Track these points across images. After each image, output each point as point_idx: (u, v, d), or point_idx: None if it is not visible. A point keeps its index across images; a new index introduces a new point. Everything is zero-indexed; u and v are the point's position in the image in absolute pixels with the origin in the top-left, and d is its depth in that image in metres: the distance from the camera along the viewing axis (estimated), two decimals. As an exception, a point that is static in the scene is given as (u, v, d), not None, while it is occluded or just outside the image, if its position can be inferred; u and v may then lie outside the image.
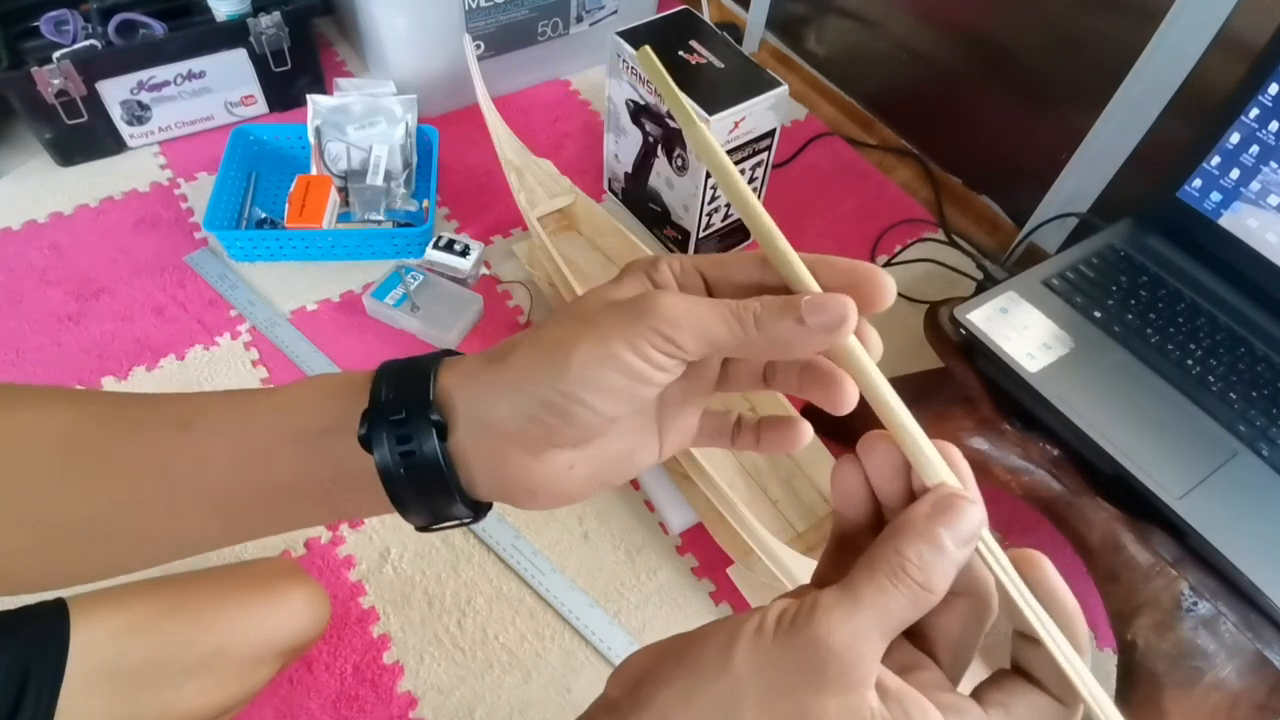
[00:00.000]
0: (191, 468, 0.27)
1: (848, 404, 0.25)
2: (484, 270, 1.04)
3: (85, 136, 1.08)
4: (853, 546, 0.25)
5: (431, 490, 0.25)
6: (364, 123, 1.07)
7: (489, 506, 0.28)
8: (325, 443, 0.26)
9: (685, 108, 0.26)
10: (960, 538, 0.22)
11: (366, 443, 0.25)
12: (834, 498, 0.26)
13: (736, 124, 0.89)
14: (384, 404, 0.25)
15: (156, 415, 0.28)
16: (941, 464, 0.23)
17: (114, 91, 1.06)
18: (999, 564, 0.23)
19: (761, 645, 0.21)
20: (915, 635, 0.24)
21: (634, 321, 0.23)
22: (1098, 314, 0.71)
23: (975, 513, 0.22)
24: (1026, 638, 0.23)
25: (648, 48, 0.27)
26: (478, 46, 1.14)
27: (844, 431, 0.84)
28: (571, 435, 0.24)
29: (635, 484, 0.86)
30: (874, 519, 0.25)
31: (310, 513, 0.28)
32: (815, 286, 0.24)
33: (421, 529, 0.28)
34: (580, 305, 0.25)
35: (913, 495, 0.24)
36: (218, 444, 0.27)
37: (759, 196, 1.02)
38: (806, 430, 0.28)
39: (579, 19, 1.22)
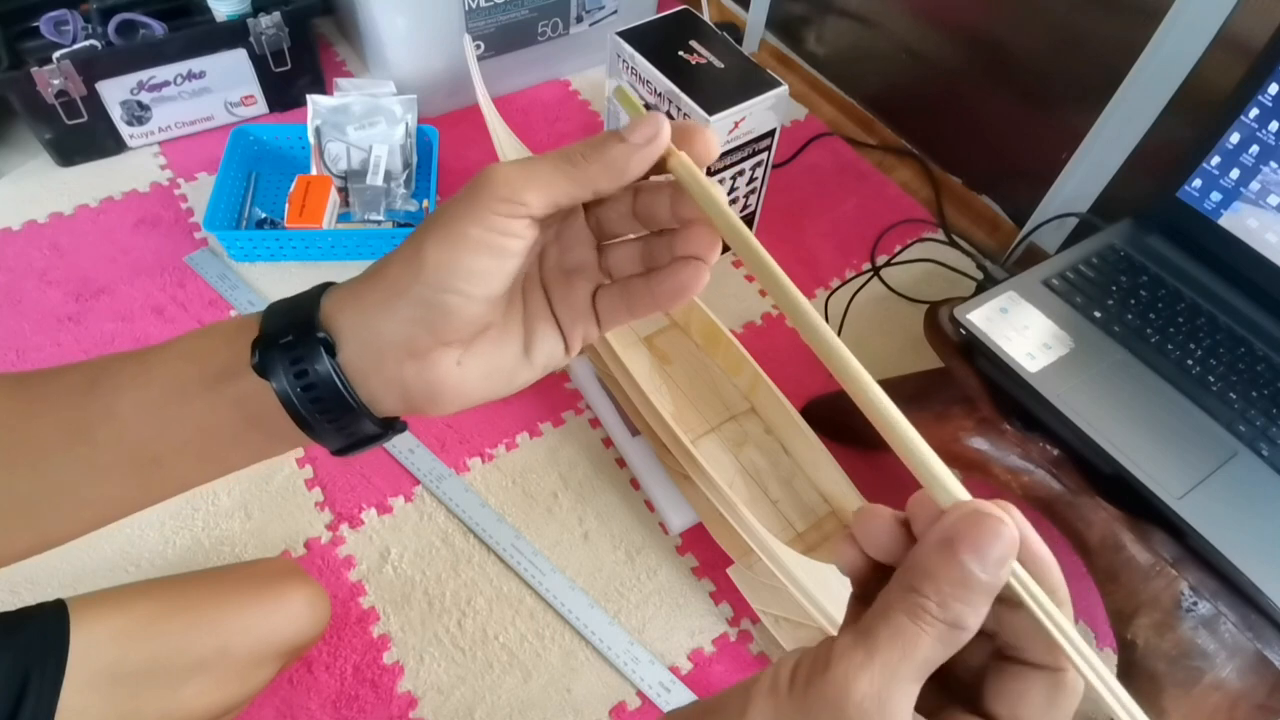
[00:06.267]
0: (103, 427, 0.28)
1: (714, 246, 0.26)
2: (484, 270, 1.04)
3: (85, 136, 1.08)
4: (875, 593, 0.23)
5: (334, 410, 0.26)
6: (364, 123, 1.07)
7: (402, 424, 0.29)
8: (226, 382, 0.27)
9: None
10: (989, 561, 0.19)
11: (262, 370, 0.26)
12: (860, 539, 0.23)
13: (736, 124, 0.89)
14: (273, 332, 0.26)
15: (61, 382, 0.29)
16: (953, 480, 0.21)
17: (114, 91, 1.06)
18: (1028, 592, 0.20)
19: (778, 703, 0.19)
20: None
21: (474, 200, 0.24)
22: (1098, 314, 0.71)
23: (1006, 532, 0.19)
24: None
25: (622, 85, 0.28)
26: (478, 46, 1.14)
27: (844, 432, 0.84)
28: (454, 327, 0.25)
29: (635, 484, 0.86)
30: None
31: (228, 456, 0.29)
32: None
33: (339, 452, 0.28)
34: (428, 217, 0.26)
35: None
36: (124, 399, 0.28)
37: (759, 197, 1.02)
38: (702, 271, 0.27)
39: (579, 19, 1.22)
